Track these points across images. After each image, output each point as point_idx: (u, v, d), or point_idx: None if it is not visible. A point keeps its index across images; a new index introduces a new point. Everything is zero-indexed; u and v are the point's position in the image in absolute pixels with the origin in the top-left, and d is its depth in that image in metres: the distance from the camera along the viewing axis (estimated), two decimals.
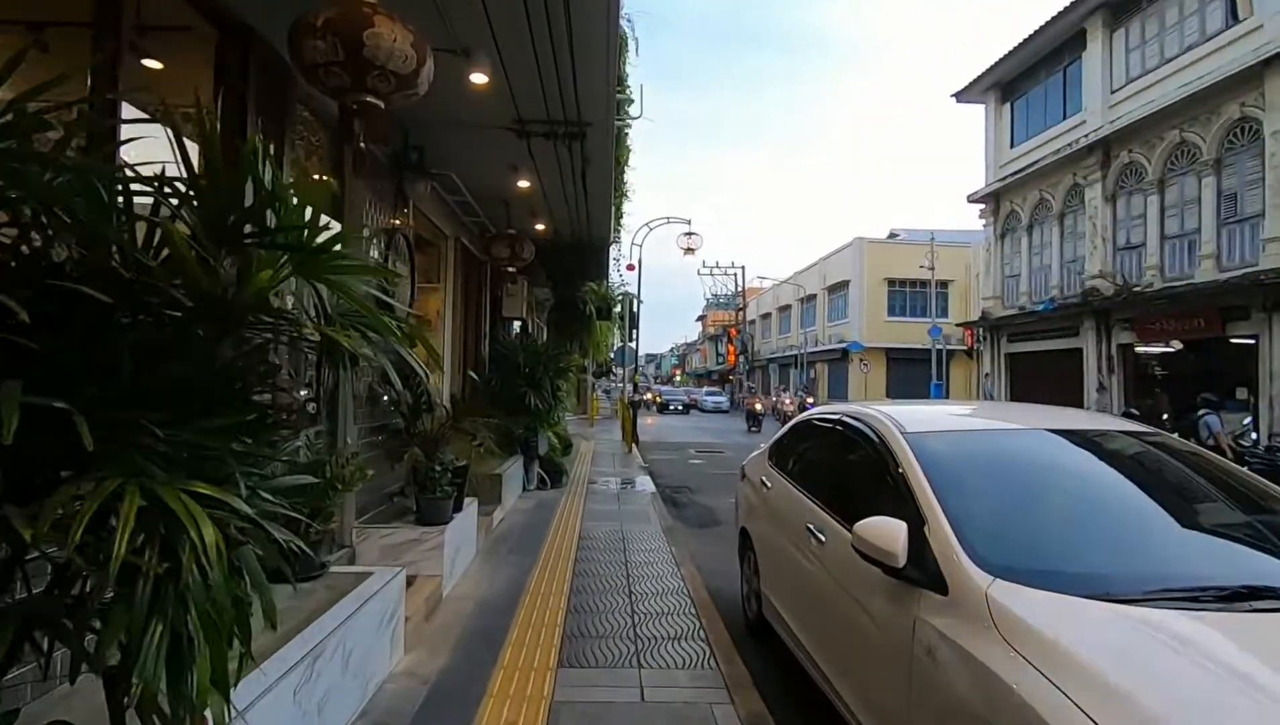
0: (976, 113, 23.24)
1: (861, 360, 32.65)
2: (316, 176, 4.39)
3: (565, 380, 9.47)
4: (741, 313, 51.16)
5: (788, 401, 23.70)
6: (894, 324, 33.78)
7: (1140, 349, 16.56)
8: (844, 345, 34.29)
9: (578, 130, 5.27)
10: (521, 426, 9.26)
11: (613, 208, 8.87)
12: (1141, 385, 16.76)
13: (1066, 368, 19.12)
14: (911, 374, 33.27)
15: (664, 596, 5.01)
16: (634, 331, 18.15)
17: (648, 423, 25.76)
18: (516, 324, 12.30)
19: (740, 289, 50.75)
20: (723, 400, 42.13)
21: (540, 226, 8.37)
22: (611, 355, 29.88)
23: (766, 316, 50.59)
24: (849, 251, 35.21)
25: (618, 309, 14.13)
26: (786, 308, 45.43)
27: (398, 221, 5.38)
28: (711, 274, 51.37)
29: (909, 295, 34.38)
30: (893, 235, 39.04)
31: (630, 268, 16.64)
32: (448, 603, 4.67)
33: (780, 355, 44.69)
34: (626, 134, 10.31)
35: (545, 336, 11.59)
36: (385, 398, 4.97)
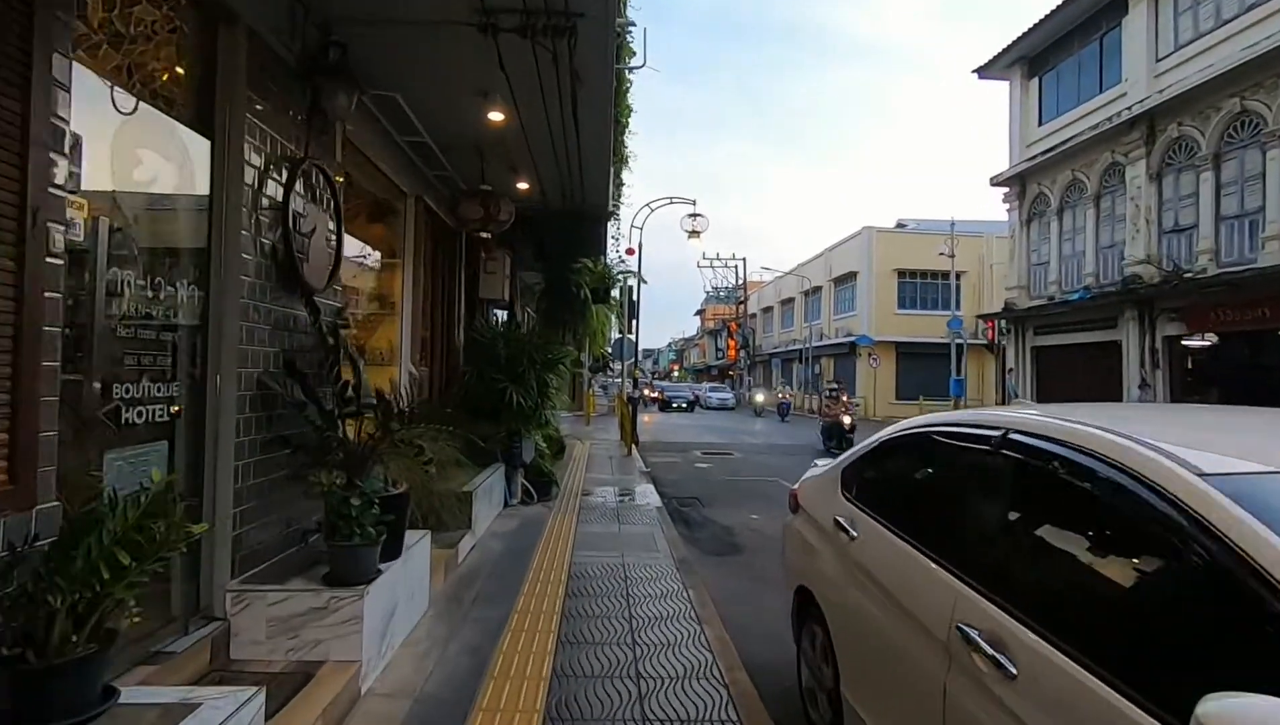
0: (997, 92, 21.73)
1: (871, 354, 31.17)
2: None
3: (555, 374, 7.95)
4: (742, 306, 49.68)
5: (842, 406, 16.60)
6: (905, 317, 32.32)
7: (1188, 342, 15.09)
8: (852, 339, 32.80)
9: (565, 22, 3.74)
10: (503, 430, 7.76)
11: (611, 167, 7.34)
12: (1189, 381, 15.31)
13: (1102, 362, 17.66)
14: (923, 369, 31.82)
15: (687, 683, 3.50)
16: (633, 322, 16.64)
17: (646, 421, 24.26)
18: (503, 314, 10.79)
19: (741, 282, 49.29)
20: (728, 397, 39.95)
21: (523, 185, 6.85)
22: (609, 348, 28.38)
23: (768, 310, 49.09)
24: (857, 241, 33.71)
25: (616, 292, 12.61)
26: (790, 301, 43.92)
27: (310, 153, 3.84)
28: (712, 266, 49.96)
29: (920, 286, 32.93)
30: (900, 226, 37.52)
31: (630, 252, 15.13)
32: (366, 707, 3.16)
33: (783, 350, 43.22)
34: (627, 88, 8.78)
35: (536, 326, 10.03)
36: (285, 398, 3.44)
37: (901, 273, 32.62)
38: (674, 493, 10.09)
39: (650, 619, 4.41)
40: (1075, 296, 17.52)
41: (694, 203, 16.04)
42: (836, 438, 16.34)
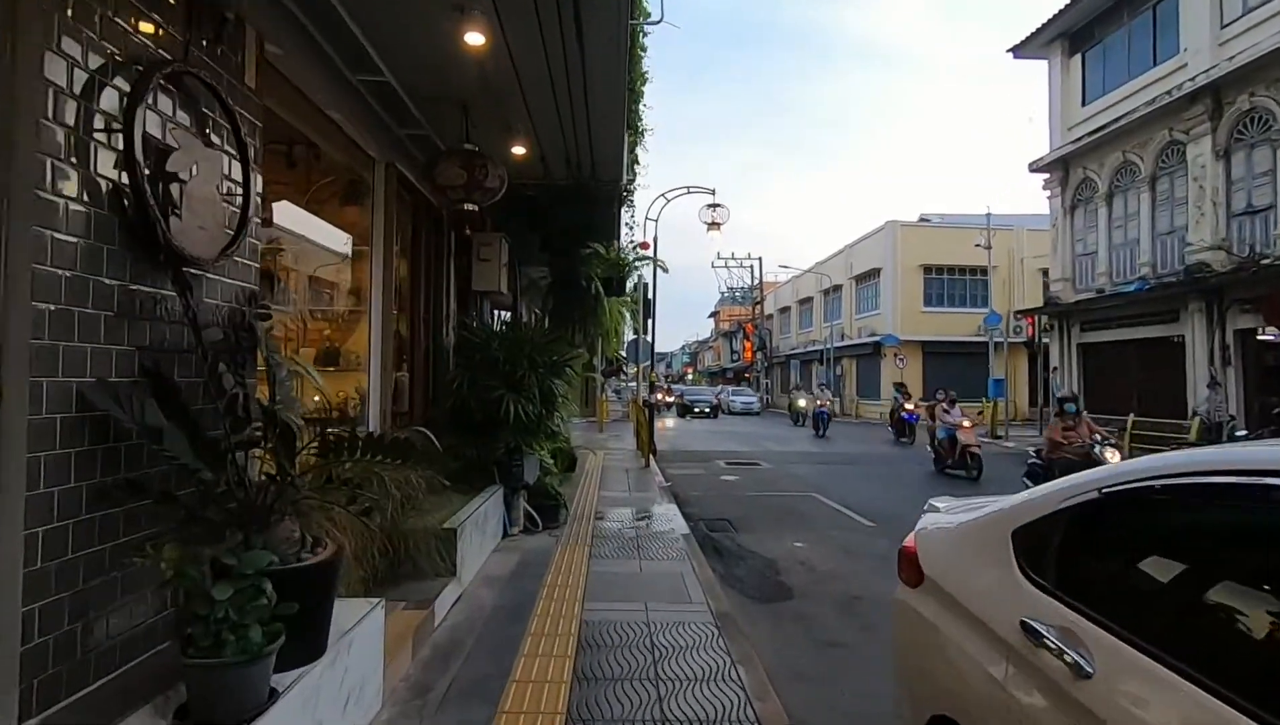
0: (1032, 74, 20.29)
1: (897, 354, 29.70)
2: None
3: (562, 379, 6.72)
4: (759, 307, 48.30)
5: (958, 420, 12.78)
6: (932, 314, 30.81)
7: (1265, 336, 13.60)
8: (876, 338, 31.35)
9: None
10: (500, 446, 6.54)
11: (625, 129, 6.10)
12: (1267, 379, 13.81)
13: (1161, 359, 16.18)
14: (952, 369, 30.22)
15: None
16: (649, 321, 15.39)
17: (661, 428, 22.96)
18: (506, 314, 9.56)
19: (757, 282, 47.91)
20: (752, 401, 37.18)
21: (519, 149, 5.63)
22: (623, 352, 27.08)
23: (785, 310, 47.65)
24: (880, 237, 32.27)
25: (633, 284, 11.35)
26: (808, 300, 42.48)
27: (191, 60, 2.63)
28: (727, 266, 48.61)
29: (948, 283, 31.42)
30: (924, 220, 36.01)
31: (644, 246, 13.85)
32: None
33: (802, 351, 41.78)
34: (640, 56, 7.56)
35: (541, 325, 8.78)
36: (129, 422, 2.20)
37: (928, 268, 31.13)
38: (700, 513, 8.81)
39: (690, 722, 3.14)
40: (1131, 288, 16.06)
41: (712, 193, 14.77)
42: (963, 462, 12.16)
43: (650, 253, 14.24)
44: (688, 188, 14.72)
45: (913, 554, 2.56)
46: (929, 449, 13.88)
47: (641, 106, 8.47)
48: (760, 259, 46.09)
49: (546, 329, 6.84)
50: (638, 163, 8.15)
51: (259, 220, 3.12)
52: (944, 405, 13.68)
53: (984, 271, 31.12)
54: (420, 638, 3.91)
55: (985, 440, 19.72)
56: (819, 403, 22.19)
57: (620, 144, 6.36)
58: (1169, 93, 15.03)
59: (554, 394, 6.53)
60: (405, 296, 6.03)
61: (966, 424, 12.77)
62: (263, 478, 2.51)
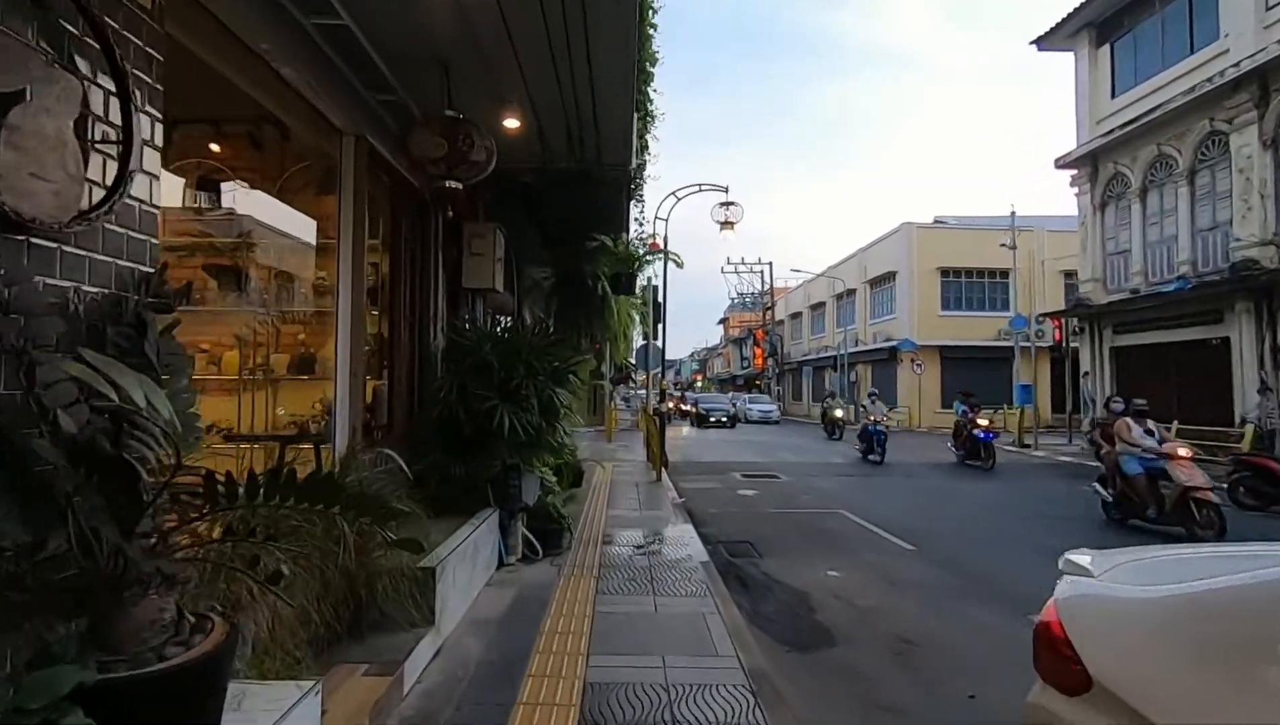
0: (1047, 73, 19.47)
1: (914, 360, 28.78)
2: None
3: (565, 388, 5.94)
4: (769, 312, 47.46)
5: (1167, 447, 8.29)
6: (949, 318, 29.90)
7: None
8: (892, 344, 30.45)
9: None
10: (495, 463, 5.77)
11: (634, 102, 5.33)
12: None
13: (1203, 363, 15.25)
14: (971, 375, 29.27)
15: None
16: (659, 325, 14.62)
17: (670, 438, 22.10)
18: (508, 320, 8.80)
19: (768, 287, 47.10)
20: (771, 409, 35.33)
21: (512, 122, 4.89)
22: (632, 359, 26.25)
23: (796, 316, 46.79)
24: (895, 239, 31.41)
25: (641, 285, 10.54)
26: (820, 305, 41.63)
27: None
28: (736, 271, 47.93)
29: (966, 286, 30.50)
30: (939, 222, 35.13)
31: (655, 246, 13.08)
32: None
33: (814, 357, 40.88)
34: (650, 35, 6.85)
35: (543, 327, 7.98)
36: None
37: (945, 271, 30.24)
38: (719, 534, 7.99)
39: None
40: (1171, 287, 15.15)
41: (726, 190, 13.96)
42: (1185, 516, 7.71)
43: (659, 255, 13.48)
44: (699, 185, 13.94)
45: (1061, 639, 1.74)
46: (1101, 490, 9.09)
47: (651, 90, 7.73)
48: (771, 263, 45.35)
49: (548, 331, 6.06)
50: (647, 149, 7.40)
51: (152, 177, 2.35)
52: (1129, 422, 8.83)
53: (1004, 274, 30.22)
54: (382, 713, 3.12)
55: (1012, 449, 18.80)
56: (871, 418, 16.72)
57: (628, 120, 5.61)
58: (1210, 80, 14.17)
59: (556, 404, 5.75)
60: (384, 293, 5.28)
61: (1183, 453, 8.17)
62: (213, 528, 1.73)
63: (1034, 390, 18.60)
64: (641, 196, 8.01)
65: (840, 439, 21.11)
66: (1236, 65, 13.54)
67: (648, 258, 7.64)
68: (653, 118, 7.84)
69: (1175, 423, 13.80)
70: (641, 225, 7.91)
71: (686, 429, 30.27)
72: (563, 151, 5.83)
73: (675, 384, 79.22)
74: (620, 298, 9.28)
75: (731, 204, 15.04)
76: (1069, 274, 29.42)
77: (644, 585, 5.51)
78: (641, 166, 6.86)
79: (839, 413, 22.43)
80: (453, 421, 5.36)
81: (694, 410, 32.94)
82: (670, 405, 38.26)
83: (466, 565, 4.75)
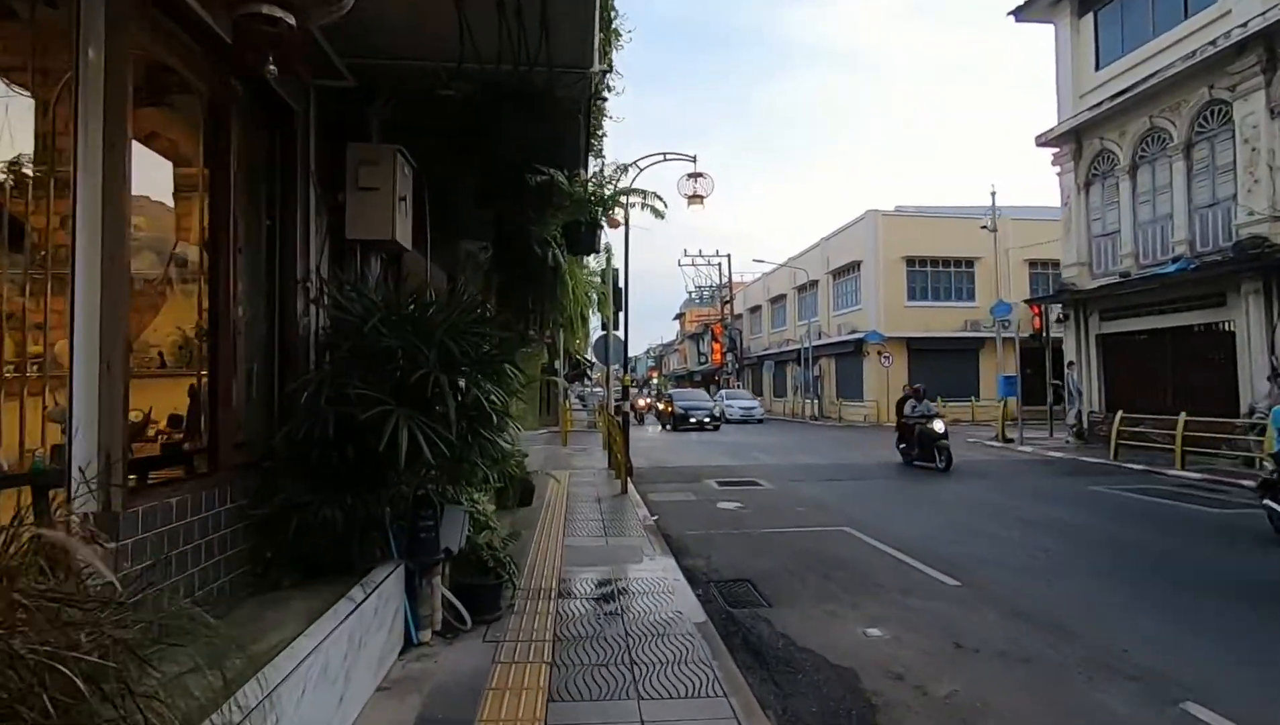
0: (1023, 54, 18.41)
1: (881, 352, 27.71)
2: None
3: (504, 383, 4.09)
4: (728, 306, 46.14)
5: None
6: (916, 309, 28.92)
7: None
8: (858, 336, 29.34)
9: None
10: (407, 495, 3.94)
11: None
12: None
13: (1203, 351, 14.27)
14: (939, 367, 28.44)
15: None
16: (620, 313, 12.83)
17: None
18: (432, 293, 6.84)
19: (726, 280, 45.75)
20: (753, 406, 31.20)
21: None
22: (589, 355, 24.06)
23: (756, 310, 45.60)
24: (860, 227, 30.29)
25: (602, 259, 8.71)
26: (780, 298, 40.45)
27: None
28: (694, 264, 46.40)
29: (932, 275, 29.58)
30: (899, 211, 34.24)
31: (614, 224, 11.25)
32: None
33: (775, 351, 39.67)
34: None
35: (472, 298, 5.93)
36: None
37: (911, 261, 29.24)
38: (708, 570, 6.25)
39: None
40: (1171, 269, 14.07)
41: (694, 160, 12.26)
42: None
43: (621, 220, 11.67)
44: (664, 154, 12.18)
45: None
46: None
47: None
48: (729, 256, 44.00)
49: (477, 302, 4.19)
50: (611, 70, 5.56)
51: None
52: None
53: (970, 263, 29.51)
54: None
55: (995, 445, 17.66)
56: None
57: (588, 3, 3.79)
58: (1214, 43, 13.09)
59: (487, 407, 3.89)
60: (206, 243, 3.34)
61: None
62: None
63: (1018, 382, 17.45)
64: (601, 133, 6.13)
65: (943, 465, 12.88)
66: (1244, 25, 12.47)
67: (615, 198, 5.80)
68: (617, 35, 6.01)
69: (1184, 415, 12.70)
70: (601, 164, 6.06)
71: (652, 430, 27.77)
72: (493, 48, 3.97)
73: (632, 382, 77.27)
74: (577, 272, 7.44)
75: (700, 175, 13.34)
76: (1034, 263, 28.86)
77: (621, 674, 3.71)
78: (604, 77, 5.05)
79: (938, 426, 13.04)
80: (318, 440, 3.45)
81: (668, 408, 28.40)
82: (644, 403, 35.64)
83: (331, 681, 2.87)
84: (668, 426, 27.25)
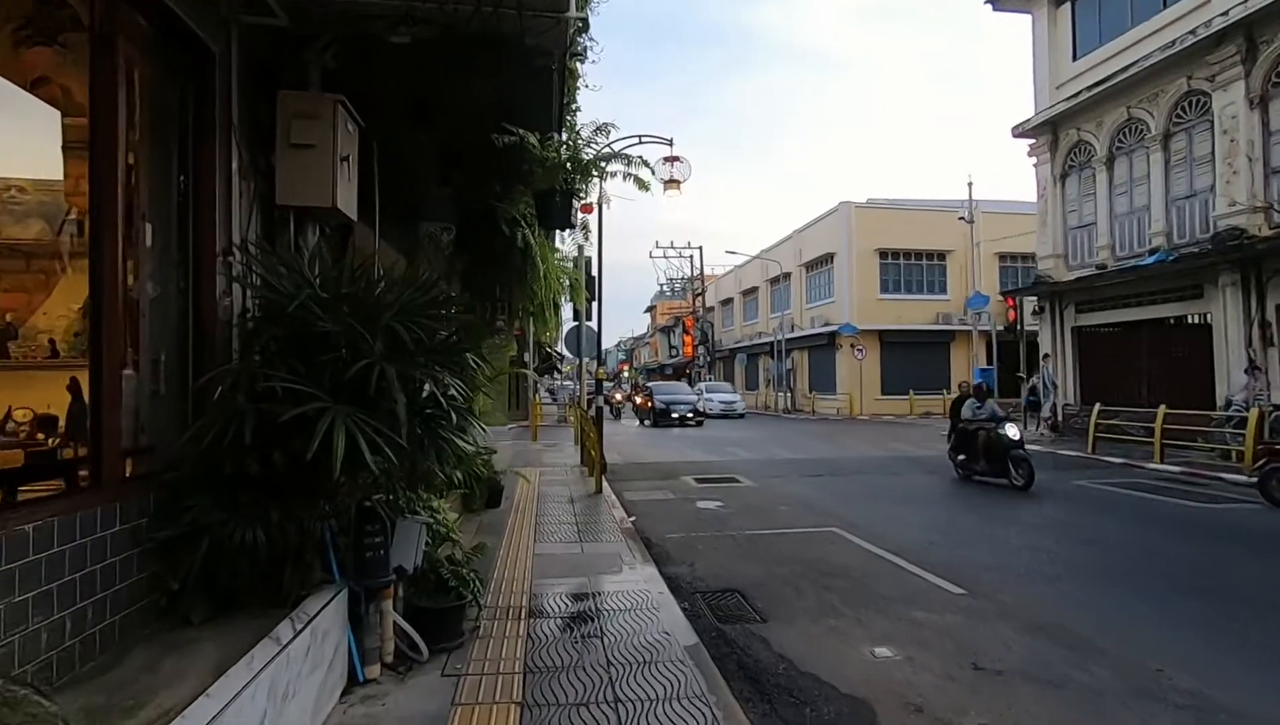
0: (973, 70, 18.24)
1: (854, 345, 27.58)
2: None
3: (458, 375, 3.49)
4: (700, 298, 45.76)
5: None
6: (889, 302, 28.86)
7: None
8: (831, 328, 29.18)
9: None
10: (349, 506, 3.35)
11: None
12: None
13: (1179, 343, 14.23)
14: (911, 359, 28.48)
15: None
16: (594, 303, 12.29)
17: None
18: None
19: (698, 272, 45.35)
20: (734, 400, 29.04)
21: None
22: (561, 347, 23.29)
23: (728, 302, 45.32)
24: (833, 219, 30.09)
25: (575, 242, 8.10)
26: (753, 290, 40.22)
27: None
28: (665, 256, 45.88)
29: (904, 268, 29.53)
30: (871, 204, 34.14)
31: (587, 208, 10.66)
32: None
33: (748, 344, 39.43)
34: None
35: (428, 278, 5.26)
36: None
37: (884, 253, 29.15)
38: (694, 579, 5.75)
39: None
40: (1149, 261, 13.97)
41: (670, 144, 11.69)
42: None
43: (594, 214, 11.11)
44: (639, 137, 11.59)
45: None
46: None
47: None
48: (701, 248, 43.57)
49: (433, 281, 3.58)
50: (588, 29, 4.95)
51: None
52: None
53: (941, 256, 29.55)
54: None
55: None
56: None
57: None
58: (1193, 32, 12.96)
59: (444, 407, 3.30)
60: (78, 199, 2.69)
61: None
62: None
63: (994, 375, 17.33)
64: (576, 107, 5.52)
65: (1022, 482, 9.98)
66: (1225, 14, 12.35)
67: (595, 164, 5.19)
68: None
69: (1163, 407, 12.60)
70: (574, 127, 5.39)
71: (630, 425, 25.99)
72: None
73: (606, 375, 76.68)
74: (549, 256, 6.82)
75: (677, 159, 12.80)
76: (1003, 256, 29.01)
77: (605, 716, 3.17)
78: (581, 34, 4.45)
79: (1012, 432, 10.18)
80: (234, 445, 2.83)
81: (645, 403, 26.19)
82: (618, 397, 34.43)
83: None
84: (646, 422, 25.45)
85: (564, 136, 5.04)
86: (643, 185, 5.73)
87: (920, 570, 5.86)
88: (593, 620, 4.47)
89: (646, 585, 5.22)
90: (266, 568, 2.99)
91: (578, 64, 4.76)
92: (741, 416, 28.09)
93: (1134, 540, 7.00)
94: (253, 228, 3.63)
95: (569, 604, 4.81)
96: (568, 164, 5.04)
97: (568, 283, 8.67)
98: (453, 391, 3.48)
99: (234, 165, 3.43)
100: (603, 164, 5.30)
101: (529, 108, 4.59)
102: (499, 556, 5.96)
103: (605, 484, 9.75)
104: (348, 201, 3.72)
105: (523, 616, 4.50)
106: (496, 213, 5.88)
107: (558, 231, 7.35)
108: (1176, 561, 6.21)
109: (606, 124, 5.09)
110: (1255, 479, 8.97)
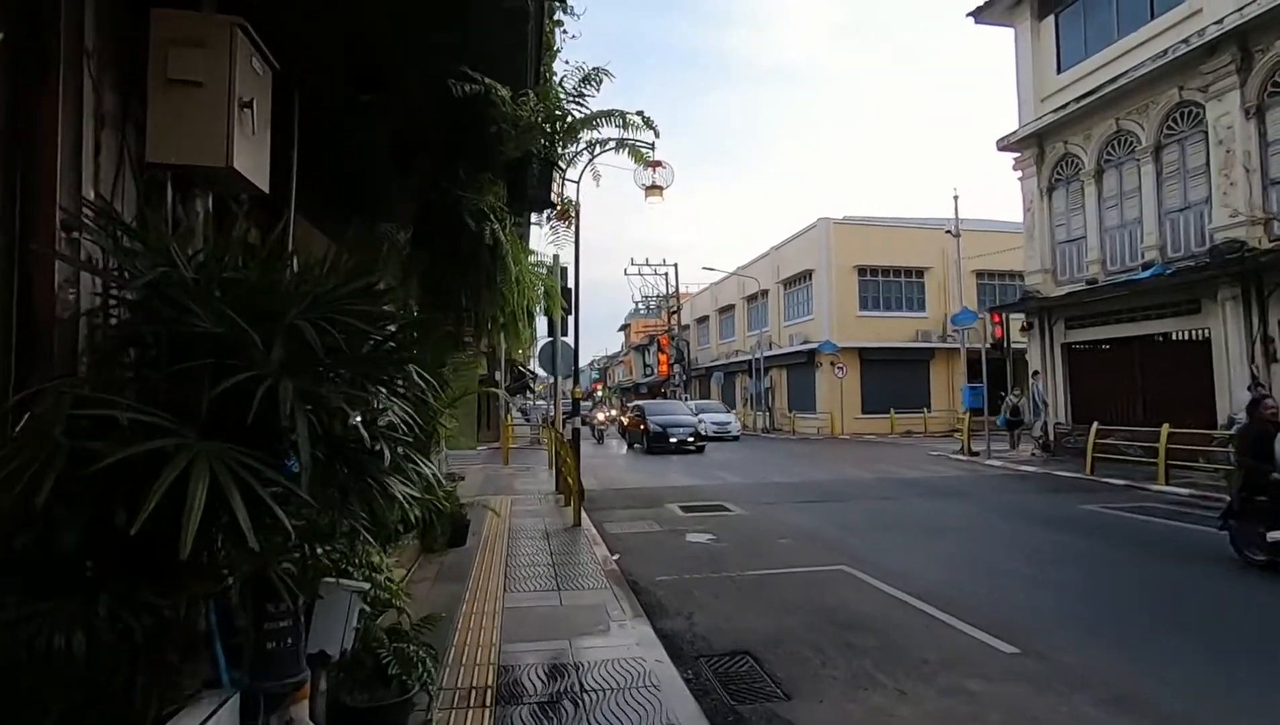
0: (954, 76, 18.00)
1: (835, 363, 27.02)
2: None
3: (403, 394, 2.56)
4: (675, 316, 45.07)
5: None
6: (868, 319, 28.44)
7: None
8: (810, 346, 28.62)
9: None
10: (244, 576, 2.34)
11: None
12: None
13: (1175, 360, 13.78)
14: (891, 377, 28.02)
15: None
16: (570, 317, 11.41)
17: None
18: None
19: (673, 290, 44.71)
20: (728, 421, 26.35)
21: None
22: (534, 365, 22.10)
23: (703, 320, 44.74)
24: (812, 236, 29.69)
25: (550, 241, 7.24)
26: (729, 308, 39.67)
27: None
28: (640, 273, 45.15)
29: (883, 285, 29.18)
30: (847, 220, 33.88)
31: (562, 216, 9.79)
32: None
33: (724, 362, 38.80)
34: None
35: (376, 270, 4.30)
36: None
37: (862, 270, 28.78)
38: (694, 639, 4.82)
39: None
40: (1144, 274, 13.55)
41: (652, 147, 10.89)
42: None
43: (570, 220, 10.23)
44: (619, 140, 10.79)
45: None
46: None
47: None
48: (676, 265, 42.89)
49: (368, 267, 2.67)
50: None
51: None
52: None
53: (920, 273, 29.26)
54: None
55: (960, 458, 16.90)
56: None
57: None
58: (1186, 41, 12.66)
59: (367, 440, 2.37)
60: None
61: None
62: None
63: (984, 392, 16.78)
64: (554, 45, 4.64)
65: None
66: (1219, 21, 12.06)
67: (583, 126, 4.36)
68: None
69: (1166, 427, 12.06)
70: (545, 78, 4.51)
71: (617, 447, 23.99)
72: None
73: (582, 394, 75.35)
74: (521, 256, 5.92)
75: (659, 164, 12.09)
76: (980, 273, 28.81)
77: None
78: None
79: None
80: (56, 500, 1.86)
81: (634, 425, 23.26)
82: (600, 417, 32.65)
83: None
84: (637, 446, 22.31)
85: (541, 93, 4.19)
86: (640, 158, 4.91)
87: (956, 621, 5.02)
88: (577, 706, 3.53)
89: (640, 650, 4.29)
90: (102, 681, 2.02)
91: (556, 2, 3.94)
92: (736, 438, 25.66)
93: (1184, 579, 6.27)
94: (120, 197, 2.68)
95: (545, 681, 3.86)
96: (546, 125, 4.17)
97: (542, 289, 7.76)
98: (391, 417, 2.55)
99: (86, 108, 2.49)
100: (594, 122, 4.44)
101: (499, 64, 3.72)
102: (461, 611, 4.99)
103: (584, 516, 8.80)
104: (253, 165, 2.79)
105: (488, 702, 3.54)
106: (461, 204, 4.97)
107: (531, 227, 6.47)
108: (1247, 609, 5.46)
109: (597, 69, 4.21)
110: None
